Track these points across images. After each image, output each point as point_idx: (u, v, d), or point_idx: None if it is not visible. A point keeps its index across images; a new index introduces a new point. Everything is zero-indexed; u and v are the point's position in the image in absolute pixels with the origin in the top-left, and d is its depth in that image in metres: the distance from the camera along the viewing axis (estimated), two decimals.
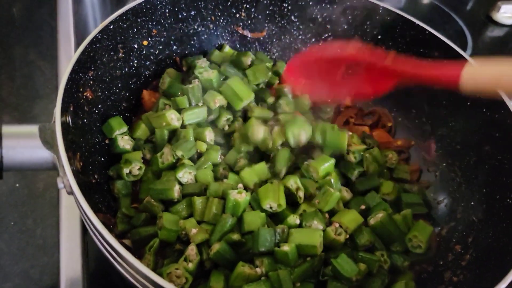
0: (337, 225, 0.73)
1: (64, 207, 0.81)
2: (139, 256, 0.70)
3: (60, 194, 0.83)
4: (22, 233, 0.80)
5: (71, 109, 0.67)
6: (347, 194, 0.82)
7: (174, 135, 0.84)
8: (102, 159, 0.79)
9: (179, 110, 0.85)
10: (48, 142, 0.58)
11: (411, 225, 0.78)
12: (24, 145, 0.59)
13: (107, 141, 0.81)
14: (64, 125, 0.59)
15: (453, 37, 0.90)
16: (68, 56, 1.08)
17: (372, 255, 0.72)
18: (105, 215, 0.71)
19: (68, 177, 0.53)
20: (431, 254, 0.77)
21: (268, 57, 1.05)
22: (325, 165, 0.78)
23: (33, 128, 0.60)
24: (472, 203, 0.80)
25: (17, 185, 0.87)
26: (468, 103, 0.85)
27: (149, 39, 0.90)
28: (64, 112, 0.62)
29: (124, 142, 0.81)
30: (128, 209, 0.74)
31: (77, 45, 1.11)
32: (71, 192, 0.54)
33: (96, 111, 0.79)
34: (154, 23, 0.90)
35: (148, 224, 0.74)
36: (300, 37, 1.05)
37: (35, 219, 0.83)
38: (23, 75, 1.12)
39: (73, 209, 0.80)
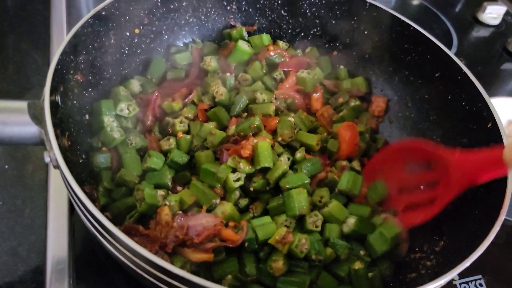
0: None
1: (52, 188, 0.83)
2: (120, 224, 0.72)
3: (48, 175, 0.85)
4: (11, 213, 0.82)
5: (61, 89, 0.69)
6: None
7: None
8: (90, 141, 0.80)
9: None
10: (37, 117, 0.60)
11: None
12: (13, 119, 0.60)
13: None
14: (53, 103, 0.61)
15: (439, 36, 0.92)
16: (60, 45, 1.10)
17: (344, 242, 0.75)
18: (91, 186, 0.73)
19: (54, 151, 0.55)
20: (398, 253, 0.78)
21: None
22: None
23: (22, 104, 0.61)
24: None
25: (7, 166, 0.89)
26: (449, 97, 0.88)
27: (141, 27, 0.92)
28: (53, 91, 0.63)
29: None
30: (109, 182, 0.76)
31: None
32: (57, 166, 0.56)
33: (86, 94, 0.81)
34: (146, 12, 0.91)
35: (127, 196, 0.76)
36: (289, 31, 1.08)
37: (24, 199, 0.84)
38: (15, 62, 1.13)
39: (61, 190, 0.82)
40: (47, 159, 0.58)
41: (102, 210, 0.73)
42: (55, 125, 0.59)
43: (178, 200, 0.74)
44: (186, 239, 0.65)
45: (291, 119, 0.87)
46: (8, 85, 1.07)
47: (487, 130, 0.78)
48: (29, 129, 0.60)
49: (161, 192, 0.73)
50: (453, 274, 0.59)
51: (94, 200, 0.73)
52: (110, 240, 0.54)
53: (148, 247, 0.64)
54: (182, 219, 0.66)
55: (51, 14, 1.21)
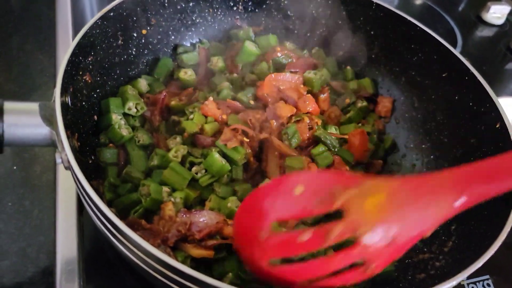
0: None
1: (60, 189, 0.83)
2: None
3: (57, 176, 0.86)
4: (19, 214, 0.82)
5: (71, 90, 0.69)
6: None
7: None
8: (98, 140, 0.80)
9: None
10: (48, 119, 0.60)
11: None
12: (25, 121, 0.61)
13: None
14: (63, 104, 0.61)
15: (443, 36, 0.92)
16: (65, 46, 1.10)
17: None
18: (97, 181, 0.74)
19: (66, 152, 0.55)
20: None
21: None
22: None
23: (34, 105, 0.62)
24: None
25: (15, 167, 0.89)
26: (456, 97, 0.88)
27: (148, 28, 0.92)
28: (63, 92, 0.63)
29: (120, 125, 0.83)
30: (115, 178, 0.76)
31: (75, 35, 1.13)
32: (68, 167, 0.56)
33: (95, 95, 0.81)
34: (153, 12, 0.92)
35: (133, 192, 0.76)
36: (295, 31, 1.08)
37: (32, 200, 0.84)
38: (20, 63, 1.13)
39: (69, 190, 0.82)
40: (58, 160, 0.58)
41: (108, 205, 0.73)
42: (66, 126, 0.59)
43: (183, 197, 0.74)
44: (188, 234, 0.65)
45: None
46: (14, 86, 1.07)
47: (495, 131, 0.78)
48: (40, 131, 0.61)
49: (166, 189, 0.74)
50: (463, 276, 0.58)
51: (100, 196, 0.73)
52: (118, 237, 0.54)
53: (150, 240, 0.64)
54: (185, 215, 0.66)
55: (56, 15, 1.21)
